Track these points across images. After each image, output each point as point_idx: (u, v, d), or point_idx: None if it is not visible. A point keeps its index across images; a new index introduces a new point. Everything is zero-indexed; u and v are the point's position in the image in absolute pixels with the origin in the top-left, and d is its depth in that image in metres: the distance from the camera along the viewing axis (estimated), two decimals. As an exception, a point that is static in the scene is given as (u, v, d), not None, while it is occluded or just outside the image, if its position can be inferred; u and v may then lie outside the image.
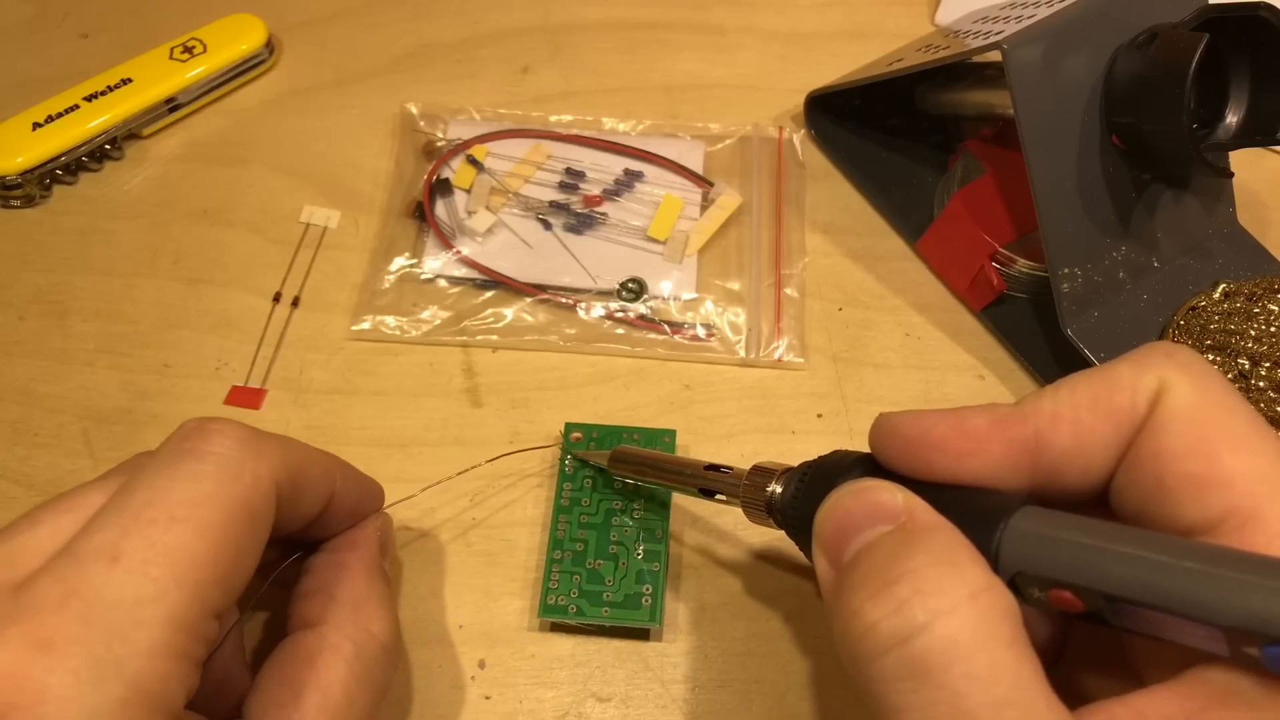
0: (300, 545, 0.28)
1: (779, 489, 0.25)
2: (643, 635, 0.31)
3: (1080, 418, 0.20)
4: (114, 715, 0.19)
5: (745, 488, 0.26)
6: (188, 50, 0.43)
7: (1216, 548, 0.18)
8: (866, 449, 0.23)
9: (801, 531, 0.24)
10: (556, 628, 0.31)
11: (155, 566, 0.20)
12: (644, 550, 0.31)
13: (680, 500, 0.33)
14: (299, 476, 0.24)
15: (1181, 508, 0.19)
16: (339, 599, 0.26)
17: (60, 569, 0.20)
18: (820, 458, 0.25)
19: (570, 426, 0.34)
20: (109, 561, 0.20)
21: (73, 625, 0.19)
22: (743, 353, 0.37)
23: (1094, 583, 0.18)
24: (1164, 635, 0.18)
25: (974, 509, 0.20)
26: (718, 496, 0.28)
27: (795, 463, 0.26)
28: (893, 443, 0.22)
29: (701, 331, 0.38)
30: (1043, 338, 0.37)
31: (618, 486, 0.32)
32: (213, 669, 0.25)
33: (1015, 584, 0.19)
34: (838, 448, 0.25)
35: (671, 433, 0.33)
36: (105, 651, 0.19)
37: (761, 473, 0.26)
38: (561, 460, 0.33)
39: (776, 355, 0.37)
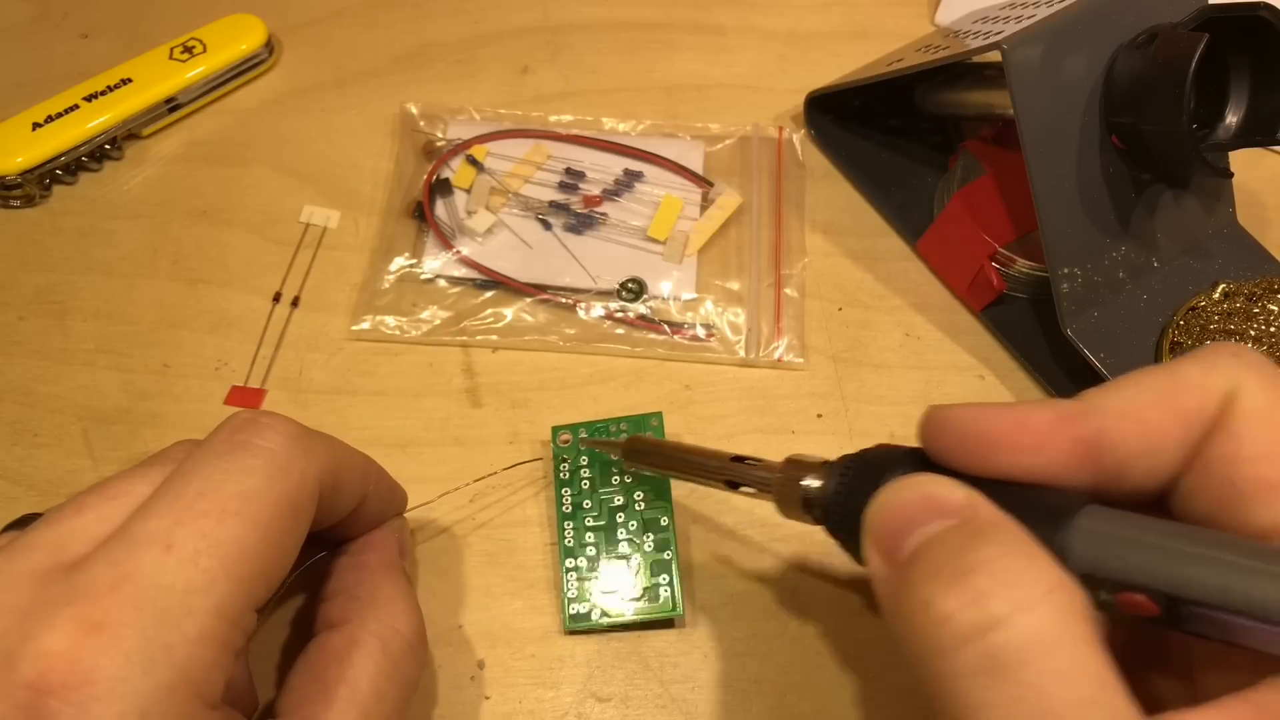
0: (322, 546, 0.28)
1: (816, 483, 0.24)
2: (667, 624, 0.31)
3: (1148, 416, 0.20)
4: (160, 700, 0.19)
5: (779, 481, 0.25)
6: (188, 50, 0.43)
7: None
8: (866, 447, 0.23)
9: (843, 528, 0.23)
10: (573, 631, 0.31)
11: (206, 557, 0.20)
12: (653, 541, 0.31)
13: (680, 498, 0.33)
14: (340, 476, 0.25)
15: (1255, 513, 0.19)
16: (362, 598, 0.26)
17: (114, 552, 0.20)
18: (863, 451, 0.24)
19: (557, 430, 0.33)
20: (162, 549, 0.20)
21: (125, 609, 0.19)
22: (742, 353, 0.37)
23: (1171, 586, 0.17)
24: (1239, 641, 0.17)
25: (1036, 507, 0.19)
26: (743, 489, 0.27)
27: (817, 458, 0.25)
28: (948, 438, 0.21)
29: (701, 331, 0.38)
30: (1043, 338, 0.37)
31: (627, 479, 0.32)
32: None
33: (1082, 586, 0.18)
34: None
35: (658, 415, 0.33)
36: (155, 637, 0.19)
37: (797, 465, 0.25)
38: (556, 465, 0.33)
39: (776, 355, 0.37)
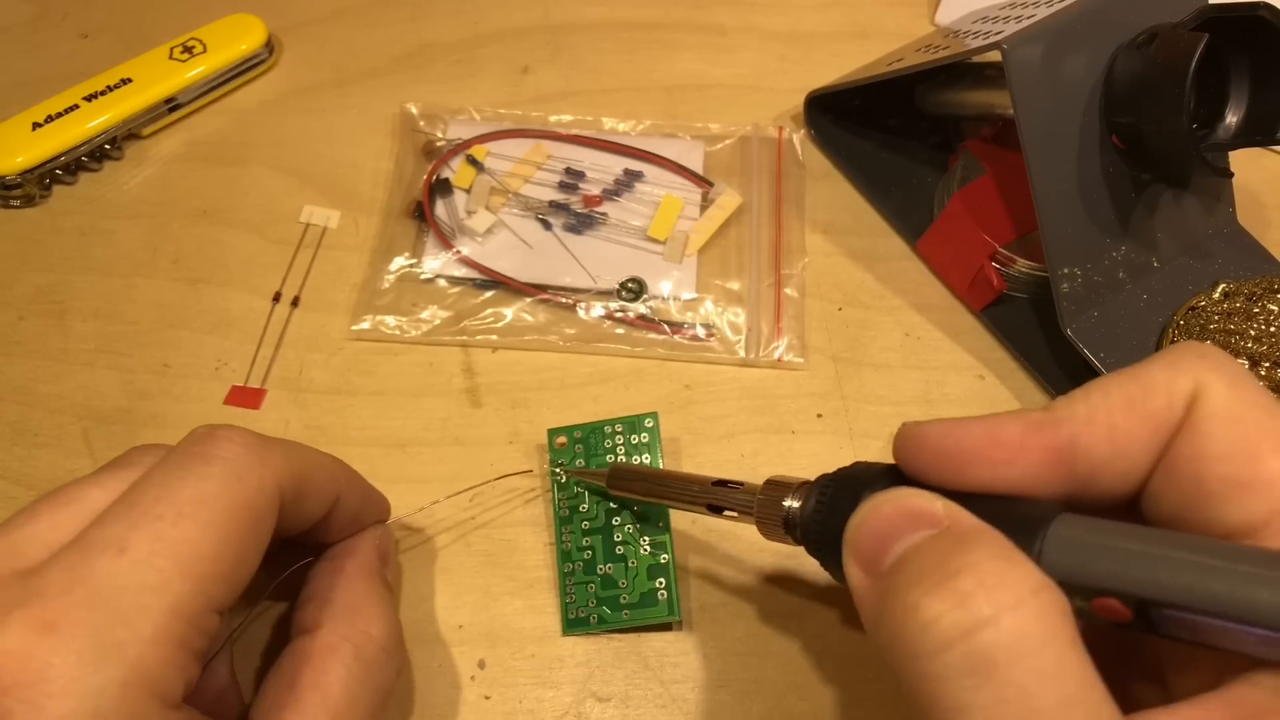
0: (306, 553, 0.28)
1: (795, 504, 0.24)
2: (665, 627, 0.31)
3: (1115, 421, 0.20)
4: (113, 696, 0.19)
5: (760, 504, 0.25)
6: (188, 50, 0.43)
7: (1270, 551, 0.17)
8: (869, 450, 0.23)
9: (824, 547, 0.23)
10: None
11: (161, 558, 0.21)
12: (649, 544, 0.31)
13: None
14: (303, 481, 0.25)
15: (1222, 511, 0.19)
16: (335, 603, 0.26)
17: (69, 558, 0.21)
18: (840, 470, 0.24)
19: (554, 432, 0.33)
20: (116, 552, 0.21)
21: (77, 609, 0.20)
22: (742, 353, 0.37)
23: (1146, 590, 0.17)
24: (1214, 643, 0.17)
25: (1010, 518, 0.19)
26: (727, 513, 0.27)
27: (800, 467, 0.25)
28: (921, 454, 0.21)
29: (701, 331, 0.38)
30: (1043, 338, 0.37)
31: (614, 505, 0.32)
32: (207, 680, 0.25)
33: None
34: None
35: (653, 415, 0.33)
36: (108, 635, 0.20)
37: (776, 487, 0.25)
38: (552, 467, 0.33)
39: (776, 355, 0.37)
